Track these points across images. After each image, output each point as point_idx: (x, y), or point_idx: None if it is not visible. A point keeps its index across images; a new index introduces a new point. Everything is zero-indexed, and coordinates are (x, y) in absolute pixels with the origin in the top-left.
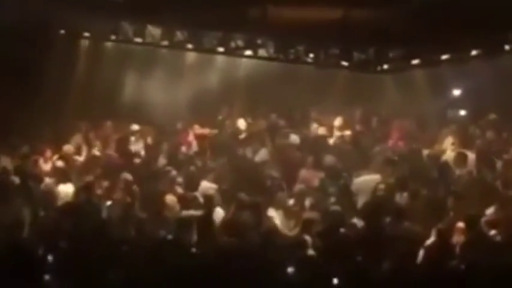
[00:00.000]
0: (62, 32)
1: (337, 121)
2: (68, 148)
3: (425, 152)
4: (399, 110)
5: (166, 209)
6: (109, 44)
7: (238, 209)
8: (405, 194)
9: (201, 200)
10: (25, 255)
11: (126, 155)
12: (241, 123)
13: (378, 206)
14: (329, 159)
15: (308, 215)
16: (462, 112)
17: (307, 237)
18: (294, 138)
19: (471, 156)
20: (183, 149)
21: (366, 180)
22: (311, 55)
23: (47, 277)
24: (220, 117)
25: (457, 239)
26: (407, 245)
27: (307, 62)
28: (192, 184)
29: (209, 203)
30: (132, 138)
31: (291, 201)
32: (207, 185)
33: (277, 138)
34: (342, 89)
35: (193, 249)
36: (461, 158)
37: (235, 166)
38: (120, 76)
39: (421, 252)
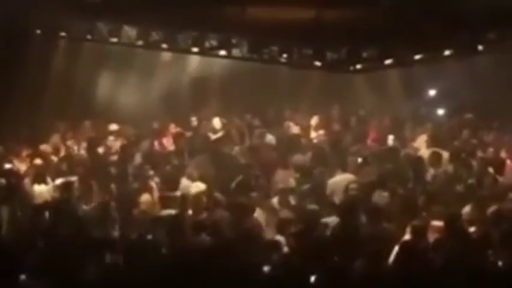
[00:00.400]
0: (38, 31)
1: (313, 120)
2: (45, 148)
3: (401, 151)
4: (374, 109)
5: (142, 208)
6: (85, 44)
7: (215, 208)
8: (380, 193)
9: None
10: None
11: (96, 155)
12: (217, 123)
13: (351, 206)
14: (298, 158)
15: (283, 214)
16: (438, 111)
17: (282, 237)
18: (270, 138)
19: (446, 155)
20: (159, 148)
21: (340, 180)
22: (284, 55)
23: (23, 277)
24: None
25: (433, 237)
26: (382, 244)
27: (281, 62)
28: (170, 183)
29: (185, 202)
30: (111, 138)
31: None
32: (186, 183)
33: (253, 138)
34: (316, 89)
35: (170, 249)
36: (435, 157)
37: (215, 164)
38: (96, 76)
39: (396, 251)
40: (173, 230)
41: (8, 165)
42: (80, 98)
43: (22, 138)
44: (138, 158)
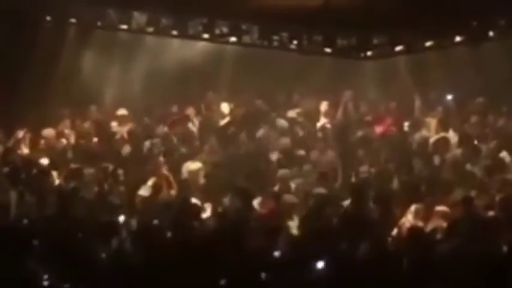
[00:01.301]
0: (48, 18)
1: (323, 106)
2: (49, 132)
3: (410, 136)
4: (384, 94)
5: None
6: (95, 31)
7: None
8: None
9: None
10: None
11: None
12: (225, 108)
13: (360, 190)
14: (284, 141)
15: (287, 198)
16: (448, 96)
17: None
18: (282, 123)
19: (454, 140)
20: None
21: None
22: (295, 42)
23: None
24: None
25: (438, 223)
26: (389, 229)
27: (291, 49)
28: (176, 167)
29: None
30: (114, 124)
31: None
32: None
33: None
34: (326, 74)
35: (176, 234)
36: (443, 143)
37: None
38: (105, 62)
39: (403, 236)
40: (178, 214)
41: (17, 151)
42: (88, 84)
43: (29, 123)
44: (146, 144)
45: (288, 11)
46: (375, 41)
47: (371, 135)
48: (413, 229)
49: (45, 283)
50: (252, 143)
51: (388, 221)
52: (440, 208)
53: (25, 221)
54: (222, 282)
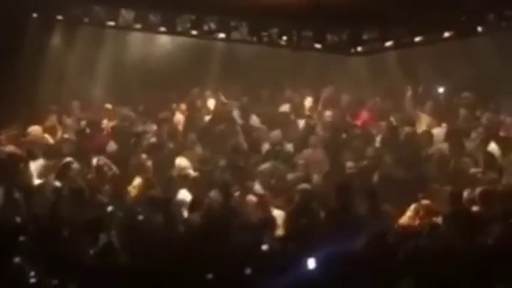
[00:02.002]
0: (35, 15)
1: (308, 102)
2: (34, 129)
3: (399, 131)
4: (373, 89)
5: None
6: (81, 27)
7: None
8: (378, 174)
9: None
10: None
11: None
12: (211, 104)
13: (348, 186)
14: (275, 133)
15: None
16: (438, 90)
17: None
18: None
19: (441, 134)
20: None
21: None
22: (284, 38)
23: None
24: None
25: (431, 218)
26: (380, 225)
27: (281, 45)
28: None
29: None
30: (104, 121)
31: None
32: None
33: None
34: (315, 69)
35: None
36: (427, 137)
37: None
38: (93, 58)
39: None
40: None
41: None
42: (74, 80)
43: (17, 119)
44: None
45: (277, 7)
46: (365, 37)
47: (357, 130)
48: (404, 225)
49: (33, 280)
50: (238, 138)
51: (376, 217)
52: (431, 203)
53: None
54: (209, 276)
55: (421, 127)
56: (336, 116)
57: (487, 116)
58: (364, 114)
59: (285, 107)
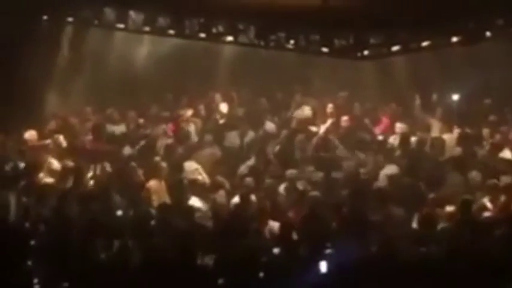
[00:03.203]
0: (45, 17)
1: (329, 108)
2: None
3: (412, 137)
4: (386, 95)
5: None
6: (91, 30)
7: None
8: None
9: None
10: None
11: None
12: (224, 108)
13: (359, 190)
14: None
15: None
16: (451, 97)
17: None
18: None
19: (452, 140)
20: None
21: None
22: (292, 41)
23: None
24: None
25: (444, 223)
26: (390, 230)
27: (288, 49)
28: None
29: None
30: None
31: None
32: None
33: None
34: (326, 75)
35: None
36: (439, 144)
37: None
38: (102, 61)
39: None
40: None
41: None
42: (80, 83)
43: (24, 124)
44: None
45: (285, 11)
46: (372, 41)
47: (370, 136)
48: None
49: (40, 283)
50: (251, 142)
51: (388, 222)
52: (445, 209)
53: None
54: (221, 281)
55: (433, 133)
56: (353, 121)
57: (499, 123)
58: (385, 121)
59: (307, 112)
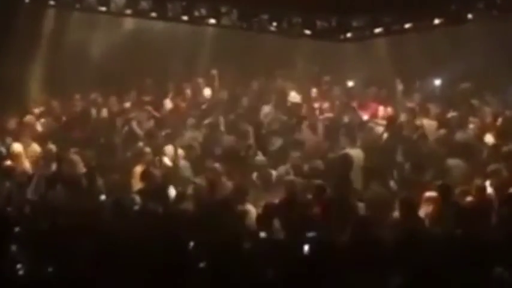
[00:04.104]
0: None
1: (313, 92)
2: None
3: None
4: (369, 80)
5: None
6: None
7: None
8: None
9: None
10: None
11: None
12: (207, 92)
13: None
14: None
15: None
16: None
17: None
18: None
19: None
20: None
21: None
22: (274, 24)
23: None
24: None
25: (426, 209)
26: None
27: (271, 31)
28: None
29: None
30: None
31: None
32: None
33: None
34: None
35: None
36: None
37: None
38: (85, 46)
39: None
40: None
41: None
42: (65, 67)
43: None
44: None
45: None
46: (354, 23)
47: (355, 121)
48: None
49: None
50: (232, 128)
51: (373, 207)
52: (429, 194)
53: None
54: (201, 265)
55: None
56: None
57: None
58: (373, 106)
59: (295, 98)
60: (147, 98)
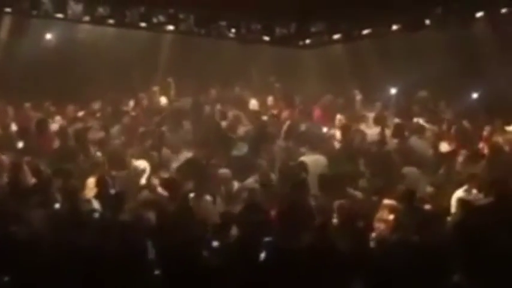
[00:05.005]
0: None
1: (269, 100)
2: None
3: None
4: (324, 87)
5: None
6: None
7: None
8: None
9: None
10: None
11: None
12: (163, 100)
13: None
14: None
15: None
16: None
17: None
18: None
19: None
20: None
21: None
22: (233, 30)
23: None
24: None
25: (386, 216)
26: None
27: (229, 37)
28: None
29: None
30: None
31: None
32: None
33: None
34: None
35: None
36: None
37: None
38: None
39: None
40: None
41: None
42: (24, 74)
43: None
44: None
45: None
46: (313, 29)
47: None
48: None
49: None
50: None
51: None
52: (387, 201)
53: None
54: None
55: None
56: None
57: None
58: (317, 112)
59: (254, 105)
60: (101, 107)
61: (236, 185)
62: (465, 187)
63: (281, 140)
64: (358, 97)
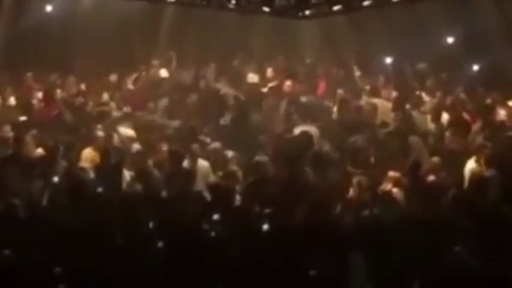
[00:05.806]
0: None
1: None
2: None
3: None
4: (325, 59)
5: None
6: None
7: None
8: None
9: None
10: None
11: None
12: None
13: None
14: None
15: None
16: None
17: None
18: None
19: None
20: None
21: None
22: (233, 1)
23: None
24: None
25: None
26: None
27: (229, 8)
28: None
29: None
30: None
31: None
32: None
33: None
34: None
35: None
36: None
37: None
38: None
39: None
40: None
41: None
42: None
43: None
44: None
45: None
46: (313, 0)
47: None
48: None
49: None
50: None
51: (328, 187)
52: (392, 173)
53: None
54: (160, 244)
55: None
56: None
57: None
58: (322, 85)
59: (253, 78)
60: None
61: (230, 154)
62: (474, 158)
63: (281, 112)
64: (356, 68)
